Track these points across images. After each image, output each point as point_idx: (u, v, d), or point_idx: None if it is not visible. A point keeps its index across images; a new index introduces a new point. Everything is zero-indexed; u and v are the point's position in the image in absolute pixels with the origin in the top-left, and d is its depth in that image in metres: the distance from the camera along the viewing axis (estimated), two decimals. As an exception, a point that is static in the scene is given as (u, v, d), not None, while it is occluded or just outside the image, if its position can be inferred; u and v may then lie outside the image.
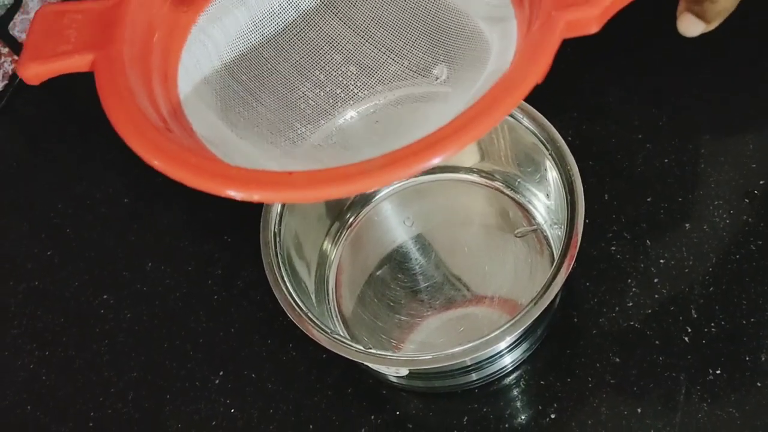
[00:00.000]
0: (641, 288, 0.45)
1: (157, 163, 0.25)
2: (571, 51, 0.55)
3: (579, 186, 0.40)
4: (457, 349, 0.38)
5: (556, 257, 0.39)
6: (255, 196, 0.23)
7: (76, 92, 0.60)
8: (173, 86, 0.31)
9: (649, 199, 0.48)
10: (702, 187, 0.48)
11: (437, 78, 0.34)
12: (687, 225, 0.47)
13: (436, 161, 0.23)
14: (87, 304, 0.51)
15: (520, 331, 0.38)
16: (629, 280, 0.45)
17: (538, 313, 0.37)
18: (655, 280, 0.45)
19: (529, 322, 0.37)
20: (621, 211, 0.48)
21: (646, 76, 0.53)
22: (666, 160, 0.49)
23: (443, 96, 0.32)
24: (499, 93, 0.23)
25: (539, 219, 0.47)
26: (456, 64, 0.33)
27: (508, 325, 0.37)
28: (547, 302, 0.37)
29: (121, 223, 0.54)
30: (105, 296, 0.51)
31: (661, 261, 0.46)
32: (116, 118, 0.27)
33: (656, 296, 0.45)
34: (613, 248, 0.47)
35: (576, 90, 0.53)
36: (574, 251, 0.38)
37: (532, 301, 0.37)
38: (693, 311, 0.44)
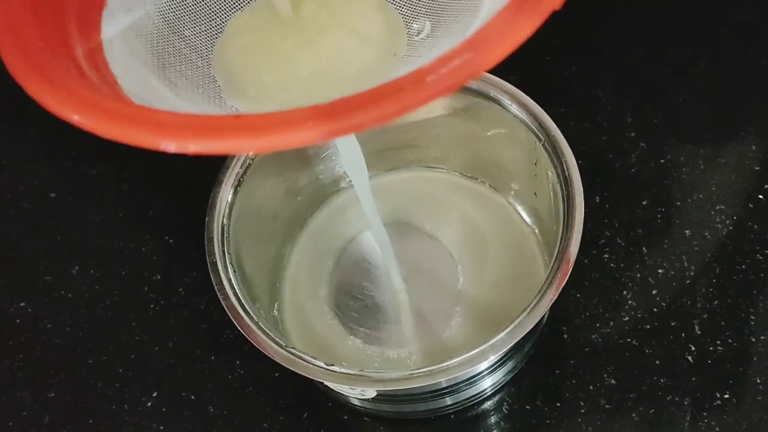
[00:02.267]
0: (638, 300, 0.40)
1: (77, 117, 0.19)
2: (558, 41, 0.51)
3: (577, 181, 0.35)
4: (434, 367, 0.32)
5: (550, 263, 0.34)
6: (197, 146, 0.17)
7: None
8: (95, 34, 0.24)
9: (644, 203, 0.43)
10: (701, 190, 0.43)
11: (418, 33, 0.28)
12: (687, 231, 0.42)
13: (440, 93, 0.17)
14: (0, 311, 0.44)
15: (506, 348, 0.32)
16: (625, 292, 0.40)
17: (530, 328, 0.32)
18: (653, 292, 0.40)
19: (518, 339, 0.32)
20: (614, 215, 0.43)
21: (638, 69, 0.48)
22: (662, 161, 0.45)
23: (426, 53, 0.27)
24: (513, 14, 0.18)
25: (527, 220, 0.41)
26: (441, 16, 0.28)
27: (493, 341, 0.32)
28: (540, 315, 0.32)
29: (45, 220, 0.47)
30: (22, 303, 0.44)
31: (660, 271, 0.41)
32: (16, 64, 0.21)
33: (655, 310, 0.40)
34: (606, 256, 0.42)
35: (563, 83, 0.48)
36: (571, 256, 0.33)
37: (522, 313, 0.32)
38: (696, 327, 0.39)
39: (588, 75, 0.49)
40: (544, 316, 0.33)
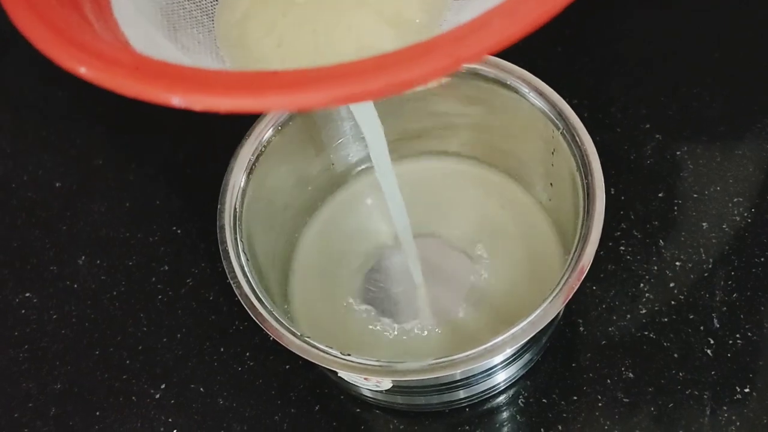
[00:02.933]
0: (655, 293, 0.39)
1: (83, 70, 0.18)
2: (570, 33, 0.50)
3: (597, 170, 0.34)
4: (452, 357, 0.31)
5: (568, 253, 0.33)
6: (236, 103, 0.16)
7: (1, 58, 0.52)
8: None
9: (660, 195, 0.43)
10: (719, 182, 0.43)
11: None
12: (704, 224, 0.41)
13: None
14: (5, 302, 0.43)
15: (526, 339, 0.31)
16: (641, 284, 0.40)
17: (552, 317, 0.31)
18: (671, 285, 0.40)
19: (540, 328, 0.31)
20: (630, 207, 0.42)
21: (652, 60, 0.48)
22: (678, 153, 0.44)
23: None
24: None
25: (543, 210, 0.41)
26: None
27: (513, 331, 0.31)
28: (562, 304, 0.31)
29: (50, 210, 0.46)
30: (27, 294, 0.43)
31: (677, 263, 0.40)
32: (21, 13, 0.19)
33: (673, 303, 0.39)
34: (623, 248, 0.41)
35: (576, 75, 0.47)
36: (591, 246, 0.32)
37: (544, 302, 0.31)
38: (715, 320, 0.38)
39: (601, 66, 0.48)
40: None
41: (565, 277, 0.32)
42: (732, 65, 0.47)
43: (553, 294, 0.31)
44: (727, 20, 0.49)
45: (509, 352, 0.32)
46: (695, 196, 0.42)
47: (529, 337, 0.31)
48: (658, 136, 0.45)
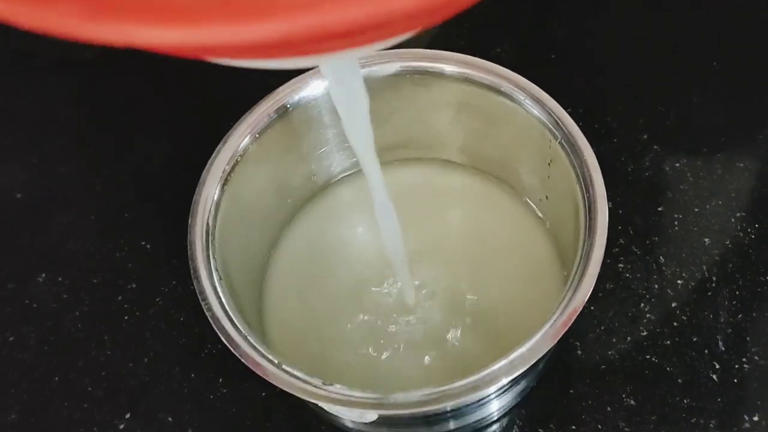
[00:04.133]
0: (657, 313, 0.37)
1: None
2: (564, 39, 0.48)
3: (598, 183, 0.32)
4: (442, 388, 0.28)
5: (568, 271, 0.30)
6: (166, 35, 0.12)
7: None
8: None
9: (660, 209, 0.40)
10: (720, 196, 0.41)
11: None
12: (706, 239, 0.39)
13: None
14: (-44, 323, 0.40)
15: (525, 368, 0.29)
16: (642, 304, 0.37)
17: (552, 345, 0.28)
18: (673, 305, 0.37)
19: (540, 356, 0.28)
20: (628, 222, 0.40)
21: (648, 68, 0.46)
22: (677, 164, 0.42)
23: None
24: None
25: (539, 224, 0.38)
26: None
27: (511, 358, 0.28)
28: (565, 327, 0.28)
29: (9, 223, 0.43)
30: (-19, 314, 0.40)
31: (679, 282, 0.38)
32: None
33: (675, 324, 0.37)
34: (621, 265, 0.39)
35: (569, 82, 0.45)
36: (595, 265, 0.30)
37: (544, 328, 0.28)
38: (720, 343, 0.36)
39: (595, 74, 0.46)
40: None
41: (566, 298, 0.29)
42: (732, 73, 0.45)
43: (555, 316, 0.29)
44: (726, 26, 0.47)
45: (505, 381, 0.30)
46: (696, 210, 0.40)
47: (528, 366, 0.28)
48: (656, 147, 0.42)
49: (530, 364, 0.28)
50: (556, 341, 0.28)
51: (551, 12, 0.48)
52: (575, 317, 0.28)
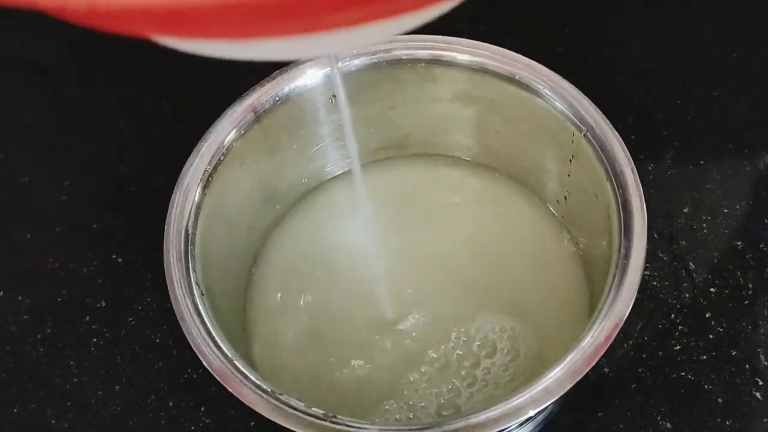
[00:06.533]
0: (690, 325, 0.34)
1: None
2: (574, 32, 0.45)
3: (632, 182, 0.28)
4: (467, 421, 0.24)
5: (602, 285, 0.27)
6: None
7: None
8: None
9: (685, 210, 0.37)
10: (750, 195, 0.37)
11: None
12: (738, 243, 0.36)
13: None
14: None
15: (552, 401, 0.25)
16: (672, 315, 0.34)
17: (587, 371, 0.25)
18: (707, 315, 0.34)
19: (568, 388, 0.25)
20: (652, 224, 0.36)
21: (666, 60, 0.42)
22: (701, 162, 0.38)
23: None
24: None
25: (559, 228, 0.34)
26: None
27: (532, 393, 0.25)
28: (599, 355, 0.25)
29: (-37, 237, 0.39)
30: (-70, 338, 0.35)
31: (712, 290, 0.34)
32: None
33: (711, 337, 0.33)
34: (647, 272, 0.35)
35: (581, 76, 0.42)
36: (634, 277, 0.26)
37: (573, 352, 0.25)
38: (762, 357, 0.33)
39: (608, 67, 0.43)
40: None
41: (601, 315, 0.25)
42: (753, 63, 0.42)
43: (589, 336, 0.25)
44: (745, 14, 0.44)
45: (531, 413, 0.26)
46: (725, 211, 0.37)
47: (556, 398, 0.24)
48: (677, 143, 0.39)
49: (558, 397, 0.24)
50: (589, 368, 0.24)
51: (559, 2, 0.44)
52: (616, 333, 0.25)
